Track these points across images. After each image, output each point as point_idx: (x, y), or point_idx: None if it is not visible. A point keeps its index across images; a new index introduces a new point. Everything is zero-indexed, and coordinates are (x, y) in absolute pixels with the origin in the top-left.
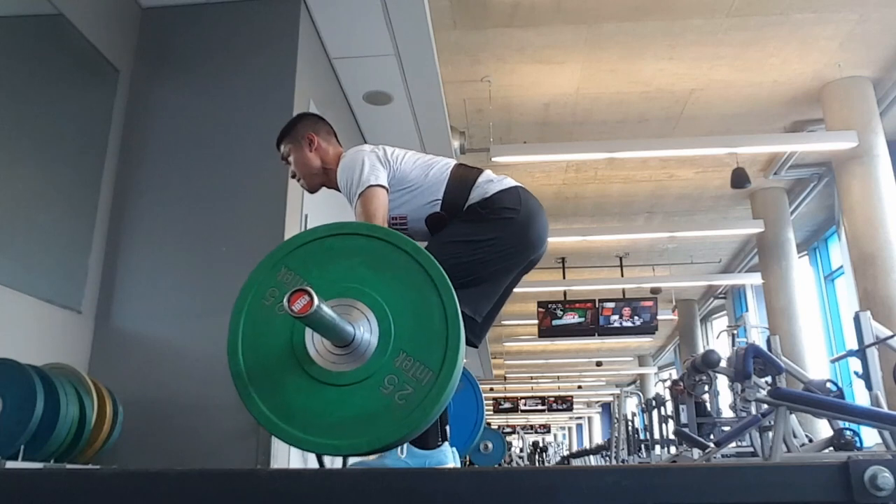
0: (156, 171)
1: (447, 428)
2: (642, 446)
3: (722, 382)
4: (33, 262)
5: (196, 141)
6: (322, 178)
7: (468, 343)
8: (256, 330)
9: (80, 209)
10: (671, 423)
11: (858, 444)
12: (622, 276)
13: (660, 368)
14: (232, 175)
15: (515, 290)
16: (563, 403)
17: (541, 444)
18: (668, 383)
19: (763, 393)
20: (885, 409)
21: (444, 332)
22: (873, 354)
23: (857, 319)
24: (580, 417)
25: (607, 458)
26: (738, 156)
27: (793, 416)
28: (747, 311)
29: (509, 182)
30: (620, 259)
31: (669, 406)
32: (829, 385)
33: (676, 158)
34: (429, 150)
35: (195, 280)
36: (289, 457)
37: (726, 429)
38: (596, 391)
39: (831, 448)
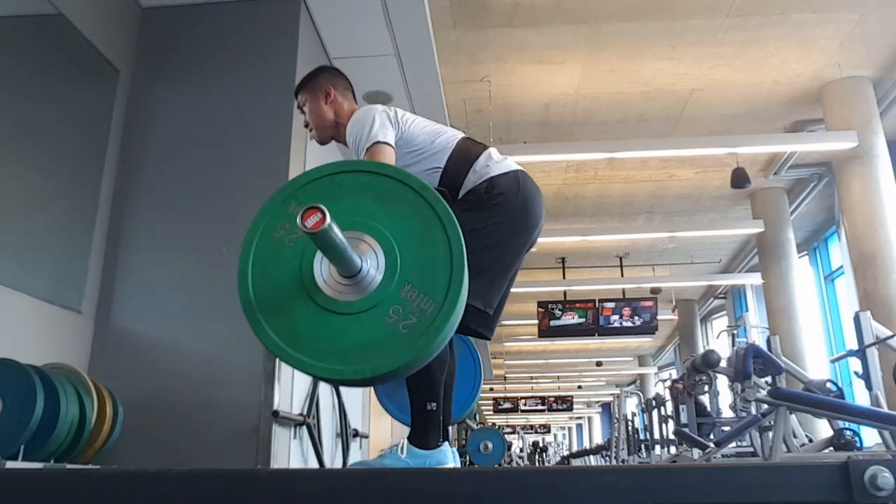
0: (156, 171)
1: (448, 428)
2: (642, 446)
3: (722, 382)
4: (33, 262)
5: (196, 141)
6: (333, 132)
7: (481, 336)
8: (266, 260)
9: (79, 209)
10: (671, 423)
11: (858, 444)
12: (622, 276)
13: (660, 368)
14: (232, 175)
15: (515, 290)
16: (563, 403)
17: (541, 444)
18: (668, 383)
19: (763, 393)
20: (885, 409)
21: (449, 266)
22: (873, 354)
23: (857, 319)
24: (580, 417)
25: (607, 458)
26: (738, 156)
27: (793, 416)
28: (747, 311)
29: (509, 165)
30: (620, 259)
31: (669, 406)
32: (829, 385)
33: (676, 158)
34: None
35: (195, 280)
36: (289, 457)
37: (726, 429)
38: (596, 391)
39: (831, 448)
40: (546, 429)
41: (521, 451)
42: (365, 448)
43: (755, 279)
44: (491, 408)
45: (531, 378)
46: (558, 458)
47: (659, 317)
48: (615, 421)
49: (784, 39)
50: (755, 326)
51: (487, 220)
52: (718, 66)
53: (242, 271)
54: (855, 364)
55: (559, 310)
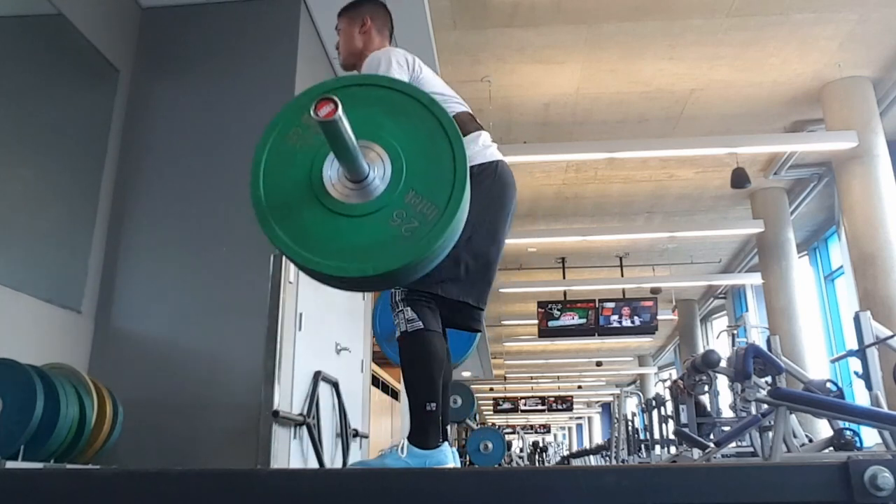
0: (156, 171)
1: (447, 428)
2: (642, 446)
3: (722, 382)
4: (33, 262)
5: (196, 141)
6: (356, 61)
7: (473, 329)
8: (278, 164)
9: (80, 209)
10: (671, 423)
11: (858, 444)
12: (622, 276)
13: (660, 368)
14: (232, 175)
15: (515, 290)
16: (563, 403)
17: (541, 444)
18: (668, 383)
19: (763, 393)
20: (885, 409)
21: (452, 175)
22: (873, 354)
23: (857, 319)
24: (580, 417)
25: (607, 458)
26: (738, 156)
27: (793, 416)
28: (747, 311)
29: (494, 154)
30: (620, 259)
31: (669, 406)
32: (829, 385)
33: (676, 158)
34: None
35: (195, 280)
36: (289, 457)
37: (726, 429)
38: (596, 391)
39: (831, 448)
40: (546, 429)
41: (521, 451)
42: (365, 448)
43: (755, 279)
44: (491, 408)
45: (531, 378)
46: (558, 458)
47: (659, 317)
48: (615, 421)
49: (784, 39)
50: (755, 326)
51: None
52: (718, 66)
53: (254, 173)
54: (855, 364)
55: (558, 310)
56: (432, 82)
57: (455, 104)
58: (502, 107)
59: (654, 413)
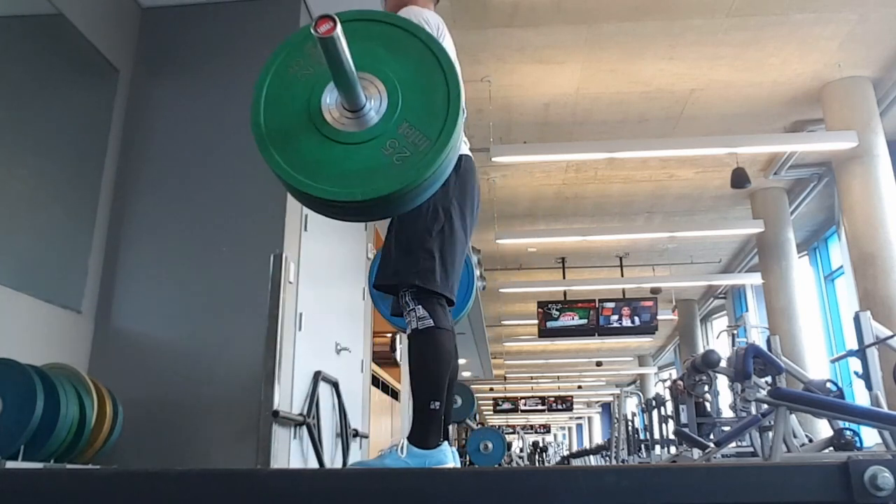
0: (156, 170)
1: (448, 427)
2: (642, 446)
3: (722, 382)
4: (33, 262)
5: (196, 141)
6: (396, 6)
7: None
8: (279, 91)
9: (80, 209)
10: (671, 423)
11: (858, 444)
12: (622, 276)
13: (660, 368)
14: (232, 175)
15: (515, 290)
16: (563, 403)
17: (541, 444)
18: (668, 383)
19: (763, 393)
20: (885, 409)
21: (445, 109)
22: (873, 354)
23: (857, 319)
24: (580, 417)
25: (607, 458)
26: (738, 156)
27: (793, 416)
28: (747, 311)
29: (464, 148)
30: (620, 259)
31: (669, 406)
32: (829, 385)
33: (676, 158)
34: None
35: (195, 280)
36: (289, 457)
37: (726, 429)
38: (596, 391)
39: (831, 448)
40: (546, 429)
41: (521, 451)
42: (365, 448)
43: (755, 279)
44: (491, 408)
45: (531, 378)
46: (558, 458)
47: (659, 317)
48: (615, 421)
49: (784, 39)
50: (755, 326)
51: (442, 199)
52: (718, 66)
53: (256, 98)
54: (855, 364)
55: (557, 310)
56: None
57: None
58: (502, 107)
59: (654, 413)
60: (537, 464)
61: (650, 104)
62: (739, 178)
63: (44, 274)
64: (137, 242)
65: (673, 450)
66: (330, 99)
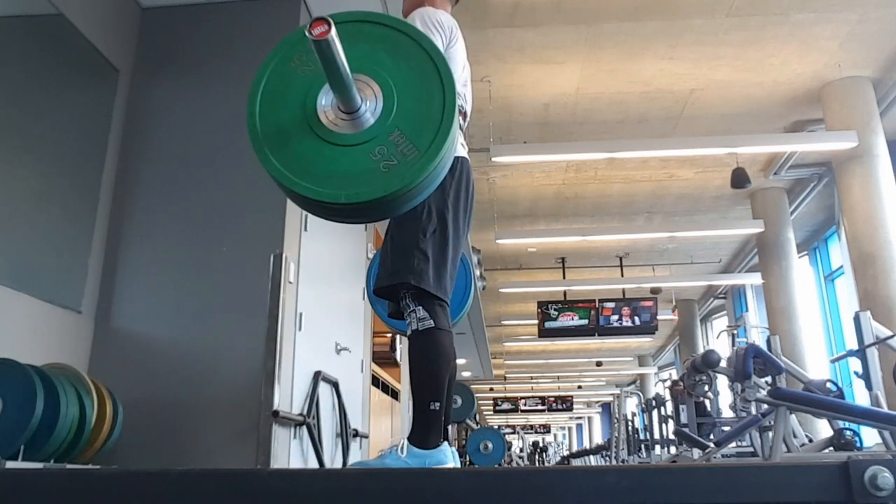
0: (156, 171)
1: (448, 428)
2: (642, 446)
3: (722, 382)
4: (33, 262)
5: (196, 141)
6: (412, 7)
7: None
8: (277, 82)
9: (80, 209)
10: (671, 423)
11: (858, 444)
12: (622, 276)
13: (660, 368)
14: (232, 175)
15: (515, 290)
16: (563, 403)
17: (541, 444)
18: (668, 383)
19: (763, 393)
20: (885, 409)
21: (439, 122)
22: (873, 354)
23: (857, 319)
24: (580, 417)
25: (607, 458)
26: (738, 156)
27: (793, 416)
28: (747, 311)
29: (461, 150)
30: (620, 259)
31: (669, 406)
32: (829, 385)
33: (676, 158)
34: None
35: (195, 280)
36: (289, 457)
37: (726, 429)
38: (596, 391)
39: (831, 448)
40: (546, 429)
41: (521, 451)
42: (365, 448)
43: (755, 279)
44: (491, 408)
45: (531, 378)
46: (558, 458)
47: (659, 317)
48: (615, 421)
49: (784, 39)
50: (755, 326)
51: (438, 200)
52: (718, 66)
53: (253, 92)
54: (855, 364)
55: (555, 310)
56: (455, 58)
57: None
58: (502, 107)
59: (654, 413)
60: (537, 464)
61: (650, 104)
62: (739, 178)
63: (44, 274)
64: (137, 242)
65: (673, 450)
66: (326, 99)
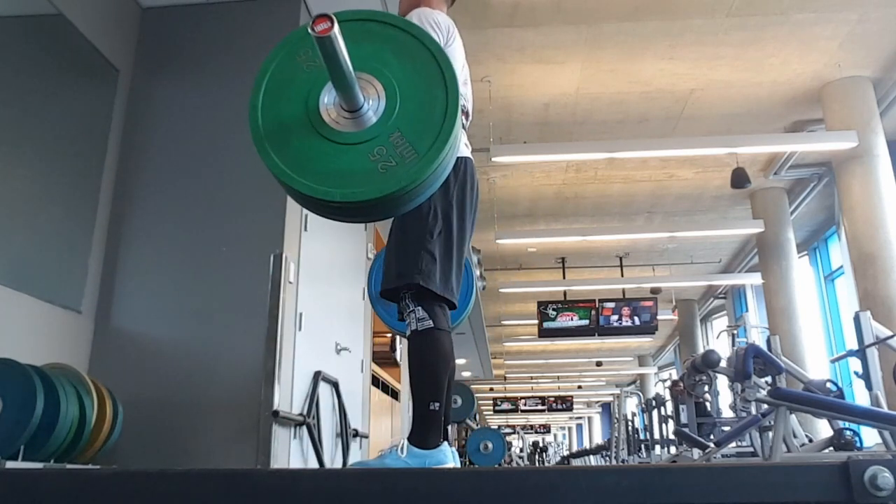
0: (156, 170)
1: (448, 428)
2: (642, 446)
3: (722, 382)
4: (33, 262)
5: (196, 141)
6: (408, 9)
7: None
8: (281, 76)
9: (80, 209)
10: (671, 423)
11: (858, 444)
12: (622, 276)
13: (660, 368)
14: (232, 175)
15: (515, 290)
16: (563, 403)
17: (541, 444)
18: (668, 383)
19: (763, 393)
20: (885, 409)
21: (440, 126)
22: (873, 354)
23: (857, 319)
24: (580, 417)
25: (607, 458)
26: (738, 156)
27: (793, 416)
28: (747, 311)
29: (465, 150)
30: (620, 259)
31: (669, 406)
32: (829, 385)
33: (676, 158)
34: None
35: (195, 280)
36: (289, 457)
37: (726, 429)
38: (596, 391)
39: (831, 448)
40: (546, 429)
41: (521, 451)
42: (365, 448)
43: (755, 279)
44: (491, 408)
45: (531, 378)
46: (558, 458)
47: (659, 317)
48: (615, 421)
49: (784, 39)
50: (755, 326)
51: (442, 201)
52: (718, 66)
53: (257, 84)
54: (855, 364)
55: (554, 310)
56: (454, 57)
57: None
58: (502, 107)
59: (654, 413)
60: (537, 464)
61: (650, 104)
62: (739, 178)
63: (44, 274)
64: (137, 242)
65: (673, 450)
66: (329, 97)
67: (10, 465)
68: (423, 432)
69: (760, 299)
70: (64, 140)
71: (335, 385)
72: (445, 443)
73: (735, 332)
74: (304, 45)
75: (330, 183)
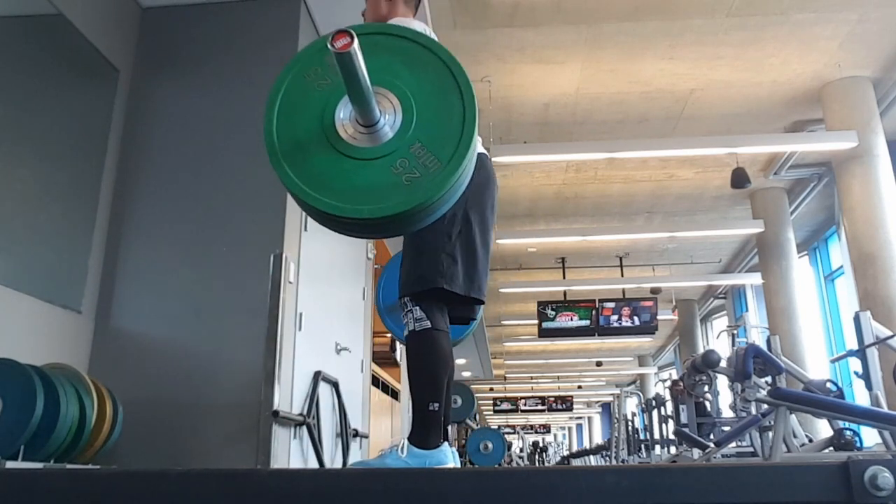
0: (156, 170)
1: (448, 428)
2: (642, 446)
3: (722, 382)
4: (33, 262)
5: (196, 141)
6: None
7: (471, 320)
8: (293, 98)
9: (80, 209)
10: (671, 423)
11: (858, 444)
12: (622, 276)
13: (660, 368)
14: (232, 175)
15: (515, 290)
16: (563, 403)
17: (541, 444)
18: (668, 383)
19: (763, 393)
20: (885, 409)
21: (460, 132)
22: (873, 354)
23: (857, 319)
24: (580, 417)
25: (607, 458)
26: (738, 156)
27: (793, 416)
28: (747, 311)
29: (479, 147)
30: (620, 259)
31: (669, 406)
32: (829, 385)
33: (676, 158)
34: None
35: (195, 280)
36: (289, 457)
37: (726, 429)
38: (596, 391)
39: (831, 448)
40: (546, 429)
41: (521, 451)
42: (365, 448)
43: (755, 279)
44: (491, 408)
45: (531, 378)
46: (558, 458)
47: (659, 317)
48: (615, 421)
49: (784, 39)
50: (755, 326)
51: (460, 201)
52: (718, 66)
53: (270, 107)
54: (855, 364)
55: (553, 310)
56: None
57: None
58: (502, 107)
59: (654, 413)
60: (537, 464)
61: (650, 104)
62: (739, 178)
63: (44, 274)
64: (137, 242)
65: (673, 450)
66: (344, 113)
67: (10, 465)
68: (424, 432)
69: (760, 299)
70: (64, 140)
71: (335, 385)
72: (446, 443)
73: (735, 332)
74: (312, 63)
75: (355, 200)
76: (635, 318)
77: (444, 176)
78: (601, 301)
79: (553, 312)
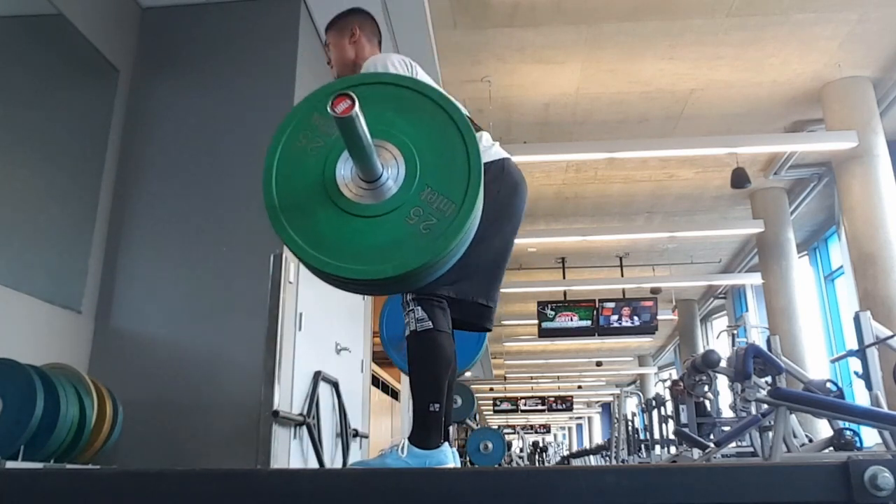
0: (156, 171)
1: (449, 428)
2: (642, 446)
3: (722, 382)
4: (33, 262)
5: (196, 141)
6: (351, 71)
7: (484, 329)
8: (289, 166)
9: (79, 209)
10: (671, 423)
11: (858, 444)
12: (622, 276)
13: (660, 368)
14: (232, 175)
15: (515, 290)
16: (563, 403)
17: (541, 444)
18: (668, 383)
19: (763, 393)
20: (885, 409)
21: (467, 168)
22: (873, 354)
23: (857, 319)
24: (580, 417)
25: (607, 458)
26: (738, 156)
27: (793, 416)
28: (747, 311)
29: (498, 152)
30: (620, 259)
31: (669, 406)
32: (829, 385)
33: (676, 158)
34: None
35: (195, 280)
36: (289, 457)
37: (726, 429)
38: (596, 391)
39: (831, 448)
40: (546, 429)
41: (521, 451)
42: (365, 448)
43: (755, 279)
44: (491, 408)
45: (531, 378)
46: (558, 458)
47: (659, 317)
48: (615, 421)
49: (784, 39)
50: (755, 326)
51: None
52: (718, 66)
53: (266, 177)
54: (855, 364)
55: (552, 310)
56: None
57: None
58: (502, 107)
59: (654, 413)
60: (537, 464)
61: (650, 104)
62: (739, 178)
63: (44, 274)
64: (137, 242)
65: (673, 450)
66: (345, 170)
67: (10, 465)
68: (424, 433)
69: (760, 299)
70: (64, 140)
71: (335, 385)
72: (446, 443)
73: (735, 332)
74: (301, 127)
75: (375, 260)
76: (635, 318)
77: (463, 216)
78: (601, 301)
79: (553, 312)
